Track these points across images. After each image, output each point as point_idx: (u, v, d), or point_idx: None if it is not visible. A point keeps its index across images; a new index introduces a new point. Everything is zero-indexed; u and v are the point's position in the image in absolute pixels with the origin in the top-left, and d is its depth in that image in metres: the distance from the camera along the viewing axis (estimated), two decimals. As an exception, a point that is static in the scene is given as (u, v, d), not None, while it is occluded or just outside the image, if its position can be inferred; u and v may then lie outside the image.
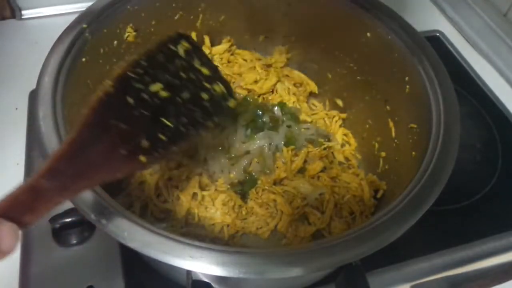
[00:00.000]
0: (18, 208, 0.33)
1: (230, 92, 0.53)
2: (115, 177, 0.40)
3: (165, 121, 0.44)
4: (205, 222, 0.64)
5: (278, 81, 0.80)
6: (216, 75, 0.52)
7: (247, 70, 0.80)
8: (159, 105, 0.44)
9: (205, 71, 0.51)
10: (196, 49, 0.51)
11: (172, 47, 0.49)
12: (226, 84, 0.53)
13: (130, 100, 0.42)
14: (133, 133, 0.41)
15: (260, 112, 0.71)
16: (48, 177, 0.35)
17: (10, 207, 0.33)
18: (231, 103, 0.52)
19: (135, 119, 0.42)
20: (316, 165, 0.69)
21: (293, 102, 0.78)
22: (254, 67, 0.80)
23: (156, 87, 0.44)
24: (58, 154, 0.37)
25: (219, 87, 0.52)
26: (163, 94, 0.45)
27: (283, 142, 0.70)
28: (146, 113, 0.42)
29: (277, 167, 0.68)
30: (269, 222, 0.64)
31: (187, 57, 0.49)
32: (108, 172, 0.40)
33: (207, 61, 0.52)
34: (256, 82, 0.79)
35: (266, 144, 0.69)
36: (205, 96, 0.49)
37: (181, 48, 0.49)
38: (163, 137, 0.43)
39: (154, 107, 0.43)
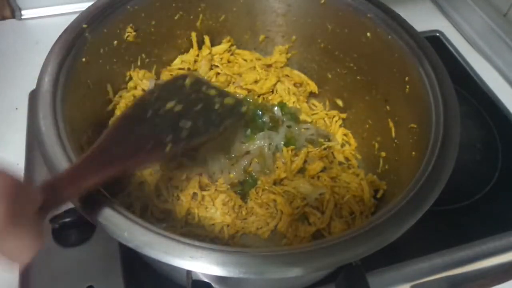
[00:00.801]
0: (81, 173, 0.43)
1: (240, 102, 0.64)
2: (147, 163, 0.55)
3: (183, 124, 0.55)
4: (205, 222, 0.64)
5: (278, 81, 0.80)
6: (223, 93, 0.64)
7: (247, 70, 0.80)
8: (175, 115, 0.56)
9: (212, 92, 0.62)
10: (200, 80, 0.63)
11: (180, 81, 0.61)
12: (236, 97, 0.64)
13: (149, 113, 0.55)
14: (154, 135, 0.53)
15: (260, 112, 0.71)
16: (85, 162, 0.44)
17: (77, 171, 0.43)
18: (244, 109, 0.64)
19: (157, 125, 0.54)
20: (316, 165, 0.69)
21: (293, 102, 0.78)
22: (254, 67, 0.80)
23: (170, 104, 0.57)
24: (87, 154, 0.46)
25: (229, 100, 0.63)
26: (176, 108, 0.57)
27: (283, 142, 0.70)
28: (163, 121, 0.55)
29: (277, 167, 0.68)
30: (269, 222, 0.64)
31: (194, 86, 0.62)
32: (139, 159, 0.49)
33: (212, 86, 0.64)
34: (256, 82, 0.79)
35: (266, 144, 0.69)
36: (216, 106, 0.61)
37: (188, 81, 0.62)
38: (185, 134, 0.55)
39: (171, 117, 0.56)
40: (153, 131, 0.53)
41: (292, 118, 0.74)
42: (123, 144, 0.49)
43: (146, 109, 0.55)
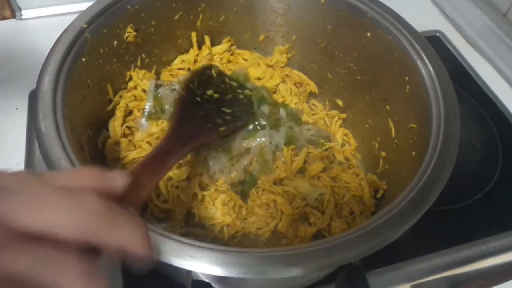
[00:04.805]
0: (164, 152, 0.48)
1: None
2: (209, 141, 0.60)
3: (224, 109, 0.65)
4: (205, 222, 0.64)
5: (282, 81, 0.80)
6: (242, 85, 0.73)
7: (251, 65, 0.79)
8: (217, 101, 0.65)
9: (234, 84, 0.72)
10: (222, 72, 0.73)
11: (208, 72, 0.70)
12: (251, 89, 0.73)
13: (198, 99, 0.64)
14: (209, 116, 0.62)
15: (262, 105, 0.72)
16: (171, 137, 0.53)
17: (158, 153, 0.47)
18: (247, 92, 0.71)
19: (207, 109, 0.63)
20: (316, 166, 0.69)
21: (295, 103, 0.78)
22: (259, 64, 0.80)
23: (210, 92, 0.66)
24: (170, 130, 0.55)
25: (248, 91, 0.72)
26: (215, 96, 0.67)
27: (283, 142, 0.70)
28: (212, 106, 0.64)
29: (277, 167, 0.68)
30: (269, 223, 0.64)
31: (219, 77, 0.71)
32: (203, 138, 0.57)
33: (232, 78, 0.73)
34: (259, 79, 0.79)
35: (266, 142, 0.69)
36: (241, 96, 0.70)
37: (214, 72, 0.71)
38: (229, 118, 0.64)
39: (215, 103, 0.65)
40: (206, 113, 0.61)
41: (294, 119, 0.74)
42: (189, 125, 0.57)
43: (194, 94, 0.64)
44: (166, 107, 0.70)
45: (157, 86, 0.72)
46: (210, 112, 0.62)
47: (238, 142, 0.68)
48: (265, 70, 0.79)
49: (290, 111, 0.75)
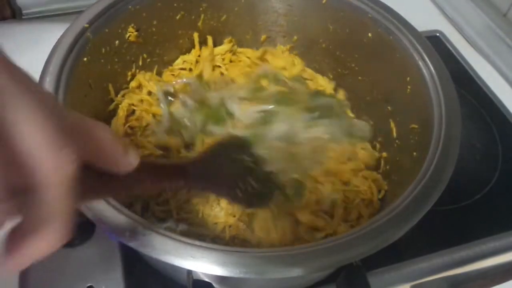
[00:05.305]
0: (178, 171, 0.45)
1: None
2: (220, 194, 0.58)
3: (251, 181, 0.58)
4: (208, 220, 0.63)
5: (303, 70, 0.79)
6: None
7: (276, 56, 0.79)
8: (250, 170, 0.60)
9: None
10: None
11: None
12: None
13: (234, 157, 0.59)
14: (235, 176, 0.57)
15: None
16: (192, 166, 0.48)
17: None
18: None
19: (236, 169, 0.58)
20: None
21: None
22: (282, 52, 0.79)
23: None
24: (195, 159, 0.53)
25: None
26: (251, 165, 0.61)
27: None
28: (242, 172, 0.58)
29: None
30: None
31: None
32: (215, 188, 0.53)
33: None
34: (284, 69, 0.78)
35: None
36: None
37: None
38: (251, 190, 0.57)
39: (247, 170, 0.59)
40: (233, 172, 0.56)
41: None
42: (211, 168, 0.52)
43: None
44: (186, 122, 0.68)
45: (164, 92, 0.71)
46: (239, 173, 0.57)
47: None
48: (287, 59, 0.78)
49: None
